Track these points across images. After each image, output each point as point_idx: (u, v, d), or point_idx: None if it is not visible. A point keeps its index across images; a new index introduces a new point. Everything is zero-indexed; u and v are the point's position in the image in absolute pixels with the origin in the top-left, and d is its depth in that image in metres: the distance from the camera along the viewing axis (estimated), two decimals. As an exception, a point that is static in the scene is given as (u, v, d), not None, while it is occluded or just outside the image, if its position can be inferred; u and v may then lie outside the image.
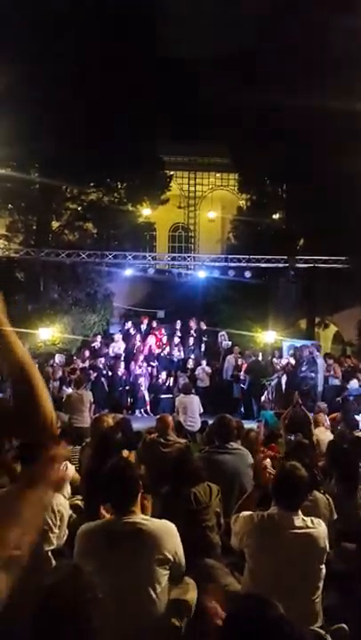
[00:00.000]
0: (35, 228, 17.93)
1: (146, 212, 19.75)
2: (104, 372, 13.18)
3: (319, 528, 2.90)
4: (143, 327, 15.28)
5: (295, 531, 2.84)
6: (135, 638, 2.18)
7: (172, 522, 2.80)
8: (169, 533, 2.70)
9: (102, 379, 13.00)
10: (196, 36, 17.20)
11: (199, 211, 24.15)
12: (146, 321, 15.47)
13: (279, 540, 2.83)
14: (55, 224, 18.28)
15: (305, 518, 2.90)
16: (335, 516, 3.70)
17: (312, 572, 2.83)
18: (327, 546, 2.91)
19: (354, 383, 11.32)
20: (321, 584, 2.85)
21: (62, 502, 3.21)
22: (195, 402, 10.02)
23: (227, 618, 1.69)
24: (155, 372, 13.94)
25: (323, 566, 2.85)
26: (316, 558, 2.84)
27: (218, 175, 23.92)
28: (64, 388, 11.64)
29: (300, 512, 2.92)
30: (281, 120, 15.31)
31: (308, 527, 2.86)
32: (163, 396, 13.46)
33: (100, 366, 13.18)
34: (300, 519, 2.88)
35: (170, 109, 18.37)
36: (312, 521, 2.91)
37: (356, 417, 8.36)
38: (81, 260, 16.33)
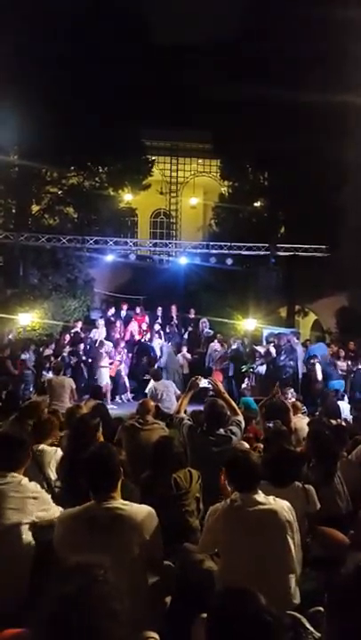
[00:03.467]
0: (14, 211, 17.67)
1: (127, 197, 19.59)
2: (84, 357, 13.12)
3: (281, 503, 2.98)
4: (123, 313, 15.21)
5: (256, 507, 2.92)
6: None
7: (151, 506, 2.81)
8: (149, 519, 2.71)
9: (82, 365, 12.95)
10: (181, 22, 17.03)
11: (181, 197, 24.02)
12: (125, 307, 15.40)
13: (243, 518, 2.90)
14: (35, 208, 18.04)
15: (266, 497, 2.98)
16: (317, 504, 3.73)
17: (280, 546, 2.88)
18: (293, 521, 2.96)
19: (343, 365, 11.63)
20: (293, 562, 2.90)
21: (38, 489, 3.20)
22: (170, 386, 9.94)
23: (208, 615, 1.70)
24: (135, 359, 13.92)
25: (291, 541, 2.90)
26: (280, 531, 2.89)
27: (200, 161, 23.79)
28: (43, 373, 11.59)
29: (259, 491, 3.00)
30: (264, 108, 15.27)
31: (269, 503, 2.95)
32: (146, 379, 13.40)
33: (81, 352, 13.12)
34: (260, 496, 2.97)
35: (153, 94, 18.18)
36: (274, 499, 2.99)
37: (339, 403, 8.51)
38: (61, 245, 16.17)
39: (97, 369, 12.48)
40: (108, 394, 12.13)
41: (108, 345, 12.90)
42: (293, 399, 8.95)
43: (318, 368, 11.29)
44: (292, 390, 9.56)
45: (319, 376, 11.19)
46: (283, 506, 2.96)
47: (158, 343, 14.24)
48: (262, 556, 2.82)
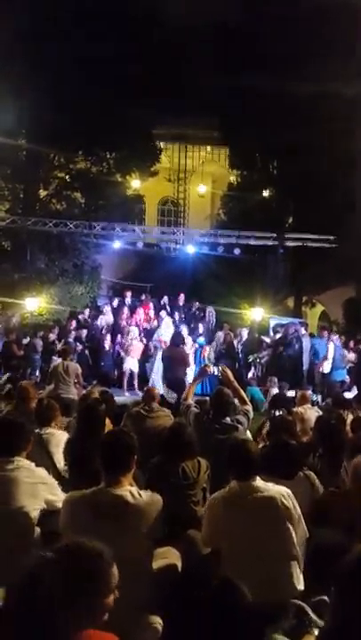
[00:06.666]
0: (22, 196, 17.64)
1: (135, 184, 19.48)
2: (88, 344, 13.10)
3: (280, 489, 2.97)
4: (127, 301, 15.13)
5: (255, 494, 2.92)
6: (123, 611, 2.18)
7: (157, 493, 2.80)
8: (155, 507, 2.69)
9: (87, 351, 12.93)
10: (190, 8, 16.79)
11: (189, 185, 23.87)
12: (129, 294, 15.30)
13: (243, 506, 2.90)
14: (42, 192, 17.98)
15: (265, 483, 2.97)
16: (320, 491, 3.72)
17: (280, 532, 2.87)
18: (292, 507, 2.94)
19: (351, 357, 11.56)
20: (295, 548, 2.88)
21: (46, 474, 3.20)
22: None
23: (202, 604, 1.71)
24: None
25: (290, 527, 2.89)
26: (279, 517, 2.88)
27: (209, 149, 23.60)
28: (53, 357, 11.59)
29: (257, 478, 2.99)
30: (274, 96, 15.09)
31: (267, 490, 2.94)
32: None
33: (84, 338, 13.09)
34: (259, 482, 2.96)
35: (162, 80, 17.99)
36: (273, 485, 2.99)
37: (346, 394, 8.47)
38: (68, 230, 16.11)
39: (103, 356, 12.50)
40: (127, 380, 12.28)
41: (134, 331, 12.91)
42: (276, 388, 9.06)
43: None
44: (275, 379, 9.60)
45: (326, 369, 11.06)
46: (281, 491, 2.94)
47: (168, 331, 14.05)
48: (263, 543, 2.82)
